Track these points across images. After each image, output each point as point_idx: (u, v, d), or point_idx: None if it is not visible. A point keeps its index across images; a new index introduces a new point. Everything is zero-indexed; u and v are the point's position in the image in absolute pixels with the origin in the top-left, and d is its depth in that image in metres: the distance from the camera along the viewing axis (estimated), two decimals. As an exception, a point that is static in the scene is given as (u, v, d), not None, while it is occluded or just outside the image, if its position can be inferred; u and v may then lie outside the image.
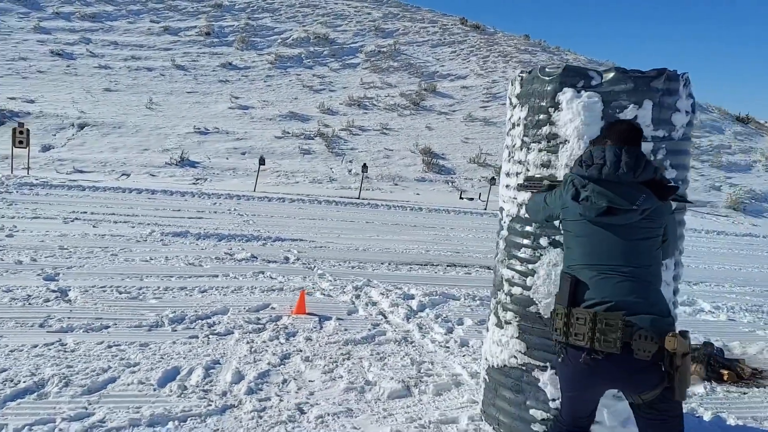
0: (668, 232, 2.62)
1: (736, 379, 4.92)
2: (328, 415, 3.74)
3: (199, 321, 5.31)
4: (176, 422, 3.50)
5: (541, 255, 3.40)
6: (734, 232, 17.51)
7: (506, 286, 3.61)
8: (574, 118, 3.25)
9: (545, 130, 3.40)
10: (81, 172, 17.11)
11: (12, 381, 3.81)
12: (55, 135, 19.86)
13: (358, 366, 4.60)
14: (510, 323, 3.56)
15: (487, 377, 3.78)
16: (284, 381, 4.22)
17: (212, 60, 29.31)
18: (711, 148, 26.35)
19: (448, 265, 8.99)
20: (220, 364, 4.41)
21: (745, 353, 5.64)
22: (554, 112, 3.35)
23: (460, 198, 19.25)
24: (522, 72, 3.68)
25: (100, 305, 5.51)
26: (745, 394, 4.70)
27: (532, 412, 3.44)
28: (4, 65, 25.57)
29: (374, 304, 6.43)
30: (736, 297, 8.51)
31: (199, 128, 21.80)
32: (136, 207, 11.98)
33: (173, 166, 18.71)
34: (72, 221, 9.70)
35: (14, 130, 16.07)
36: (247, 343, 4.89)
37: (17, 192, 12.43)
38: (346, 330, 5.43)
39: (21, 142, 15.83)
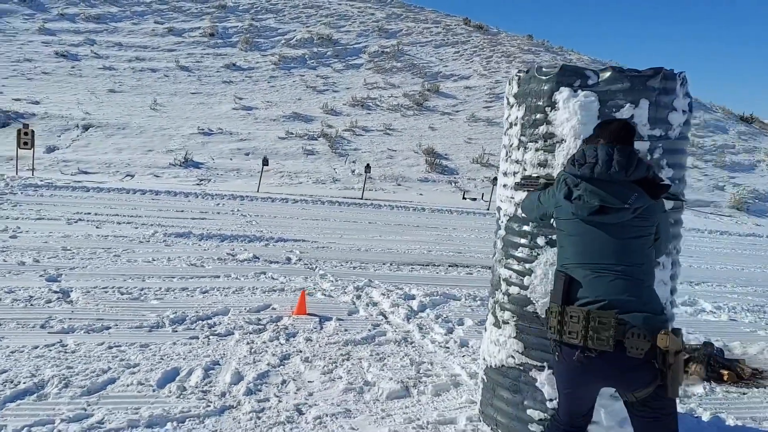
0: (660, 231, 2.63)
1: (736, 379, 4.90)
2: (327, 415, 3.75)
3: (200, 322, 5.32)
4: (175, 423, 3.51)
5: (539, 254, 3.41)
6: (737, 232, 17.46)
7: (504, 286, 3.61)
8: (571, 117, 3.26)
9: (542, 129, 3.40)
10: (85, 173, 17.18)
11: (12, 382, 3.83)
12: (59, 136, 19.95)
13: (358, 366, 4.61)
14: (507, 323, 3.57)
15: (485, 377, 3.78)
16: (283, 382, 4.22)
17: (216, 61, 29.40)
18: (714, 148, 26.28)
19: (449, 266, 8.99)
20: (219, 364, 4.42)
21: (746, 353, 5.62)
22: (551, 111, 3.35)
23: (463, 198, 19.25)
24: (519, 72, 3.68)
25: (101, 306, 5.53)
26: (744, 394, 4.69)
27: (529, 412, 3.44)
28: (9, 66, 25.70)
29: (375, 304, 6.43)
30: (737, 297, 8.48)
31: (203, 129, 21.87)
32: (140, 208, 12.03)
33: (177, 167, 18.78)
34: (76, 222, 9.75)
35: (19, 131, 16.15)
36: (247, 343, 4.90)
37: (22, 193, 12.49)
38: (346, 330, 5.44)
39: (26, 144, 15.91)
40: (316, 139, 22.55)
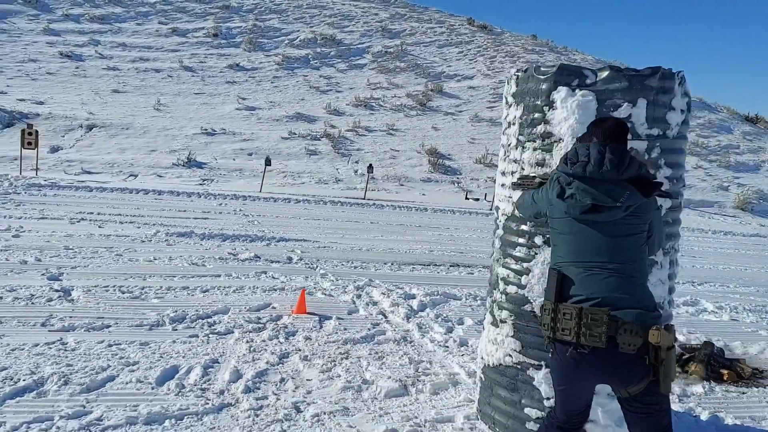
0: (653, 229, 2.64)
1: (736, 378, 4.89)
2: (324, 413, 3.76)
3: (200, 320, 5.34)
4: (173, 420, 3.52)
5: (536, 254, 3.41)
6: (741, 232, 17.40)
7: (501, 285, 3.62)
8: (569, 116, 3.26)
9: (540, 128, 3.41)
10: (89, 173, 17.23)
11: (12, 379, 3.85)
12: (63, 136, 20.02)
13: (356, 365, 4.62)
14: (505, 322, 3.57)
15: (483, 376, 3.79)
16: (282, 380, 4.24)
17: (220, 61, 29.45)
18: (719, 148, 26.19)
19: (451, 265, 8.99)
20: (218, 363, 4.43)
21: (747, 353, 5.61)
22: (549, 110, 3.35)
23: (466, 198, 19.24)
24: (518, 71, 3.68)
25: (102, 305, 5.56)
26: (743, 393, 4.68)
27: (527, 410, 3.44)
28: (14, 67, 25.80)
29: (375, 303, 6.44)
30: (740, 297, 8.46)
31: (206, 129, 21.91)
32: (143, 207, 12.06)
33: (180, 167, 18.82)
34: (78, 222, 9.78)
35: (23, 131, 16.20)
36: (247, 342, 4.91)
37: (25, 193, 12.54)
38: (345, 329, 5.45)
39: (30, 144, 15.97)
40: (319, 140, 22.56)
